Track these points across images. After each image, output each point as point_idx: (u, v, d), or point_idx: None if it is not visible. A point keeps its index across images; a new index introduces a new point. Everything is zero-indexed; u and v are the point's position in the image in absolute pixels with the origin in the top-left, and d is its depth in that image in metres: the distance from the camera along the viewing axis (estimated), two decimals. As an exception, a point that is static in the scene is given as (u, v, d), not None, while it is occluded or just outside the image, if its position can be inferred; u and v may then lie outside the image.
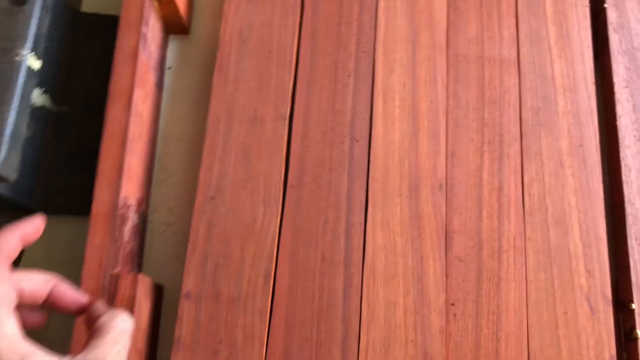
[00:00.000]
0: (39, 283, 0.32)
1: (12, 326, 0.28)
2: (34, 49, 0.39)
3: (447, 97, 0.47)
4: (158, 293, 0.43)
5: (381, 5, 0.49)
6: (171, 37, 0.51)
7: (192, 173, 0.47)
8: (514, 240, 0.43)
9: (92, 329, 0.31)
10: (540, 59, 0.48)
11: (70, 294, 0.33)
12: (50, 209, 0.45)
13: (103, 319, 0.31)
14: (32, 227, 0.33)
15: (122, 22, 0.43)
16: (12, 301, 0.30)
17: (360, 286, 0.42)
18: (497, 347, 0.41)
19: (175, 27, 0.50)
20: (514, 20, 0.49)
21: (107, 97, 0.42)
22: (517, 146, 0.46)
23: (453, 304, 0.42)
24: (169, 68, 0.51)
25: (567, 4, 0.50)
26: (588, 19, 0.50)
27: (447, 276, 0.42)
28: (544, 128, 0.46)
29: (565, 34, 0.49)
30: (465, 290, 0.42)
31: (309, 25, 0.48)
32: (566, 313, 0.41)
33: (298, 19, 0.48)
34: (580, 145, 0.45)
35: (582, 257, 0.43)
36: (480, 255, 0.43)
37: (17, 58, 0.37)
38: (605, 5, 0.50)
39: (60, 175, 0.46)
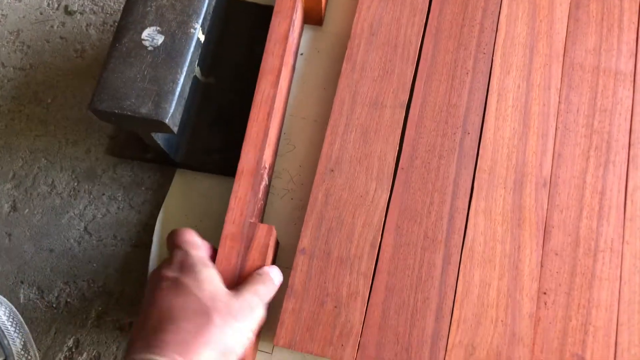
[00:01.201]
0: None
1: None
2: (202, 25, 0.46)
3: (559, 102, 0.49)
4: (276, 246, 0.49)
5: (504, 12, 0.52)
6: (305, 26, 0.57)
7: (312, 148, 0.53)
8: (612, 242, 0.45)
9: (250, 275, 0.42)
10: (657, 74, 0.50)
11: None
12: (192, 165, 0.53)
13: (259, 270, 0.43)
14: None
15: (277, 8, 0.49)
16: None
17: (458, 265, 0.46)
18: (584, 339, 0.43)
19: (312, 18, 0.56)
20: (634, 35, 0.51)
21: (259, 72, 0.48)
22: (624, 154, 0.47)
23: (545, 293, 0.44)
24: (301, 54, 0.57)
25: (691, 25, 0.51)
26: None
27: (541, 266, 0.45)
28: (654, 140, 0.47)
29: (686, 53, 0.50)
30: (558, 281, 0.45)
31: (434, 25, 0.52)
32: (658, 317, 0.43)
33: (424, 18, 0.52)
34: (690, 161, 0.47)
35: (679, 267, 0.44)
36: (576, 251, 0.45)
37: (191, 30, 0.45)
38: None
39: (203, 137, 0.53)
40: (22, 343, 0.45)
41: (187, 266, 0.39)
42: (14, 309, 0.47)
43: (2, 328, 0.44)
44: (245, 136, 0.46)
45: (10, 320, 0.45)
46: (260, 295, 0.40)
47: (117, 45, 0.45)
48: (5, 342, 0.44)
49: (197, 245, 0.41)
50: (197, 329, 0.35)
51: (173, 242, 0.42)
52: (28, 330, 0.47)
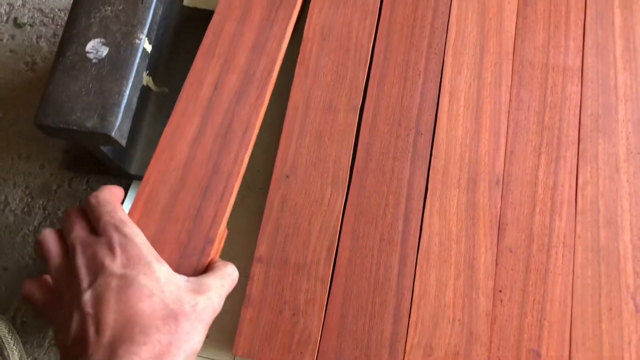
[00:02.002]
0: None
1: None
2: (148, 35, 0.45)
3: (510, 100, 0.50)
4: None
5: (454, 12, 0.53)
6: (259, 32, 0.57)
7: (268, 153, 0.52)
8: (564, 237, 0.46)
9: (208, 268, 0.40)
10: (604, 69, 0.50)
11: None
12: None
13: (218, 264, 0.40)
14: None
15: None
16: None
17: (414, 266, 0.46)
18: (539, 334, 0.43)
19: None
20: (581, 31, 0.51)
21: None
22: (574, 149, 0.48)
23: (500, 291, 0.45)
24: (255, 60, 0.56)
25: (637, 19, 0.52)
26: (656, 33, 0.51)
27: (496, 264, 0.45)
28: (602, 134, 0.48)
29: (632, 47, 0.51)
30: (513, 278, 0.45)
31: (385, 27, 0.52)
32: (610, 309, 0.44)
33: (375, 21, 0.52)
34: (638, 153, 0.47)
35: (631, 259, 0.45)
36: (530, 248, 0.46)
37: (136, 41, 0.44)
38: (675, 21, 0.51)
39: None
40: (19, 356, 0.47)
41: (136, 259, 0.35)
42: (11, 326, 0.49)
43: (4, 341, 0.47)
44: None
45: (10, 334, 0.48)
46: (223, 293, 0.39)
47: (61, 59, 0.44)
48: (6, 353, 0.47)
49: (132, 225, 0.37)
50: (169, 338, 0.34)
51: (99, 211, 0.38)
52: (22, 346, 0.48)
